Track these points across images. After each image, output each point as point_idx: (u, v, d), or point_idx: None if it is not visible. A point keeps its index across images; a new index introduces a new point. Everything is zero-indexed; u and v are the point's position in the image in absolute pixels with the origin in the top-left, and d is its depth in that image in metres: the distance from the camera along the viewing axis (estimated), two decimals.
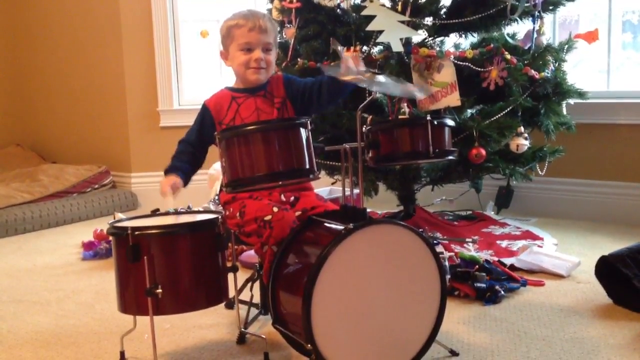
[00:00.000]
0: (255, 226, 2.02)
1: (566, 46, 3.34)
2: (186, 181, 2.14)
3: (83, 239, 3.58)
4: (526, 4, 3.05)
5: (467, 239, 3.12)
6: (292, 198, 2.19)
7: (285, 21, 3.37)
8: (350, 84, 2.03)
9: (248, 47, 2.18)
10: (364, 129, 2.04)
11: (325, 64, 3.13)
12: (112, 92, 4.81)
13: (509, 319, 2.29)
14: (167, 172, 2.13)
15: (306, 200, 2.17)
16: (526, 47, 3.20)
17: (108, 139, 4.93)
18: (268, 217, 2.00)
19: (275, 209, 2.01)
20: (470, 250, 3.01)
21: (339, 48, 2.04)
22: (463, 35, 3.30)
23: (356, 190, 2.16)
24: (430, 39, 3.23)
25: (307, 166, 1.82)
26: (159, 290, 1.82)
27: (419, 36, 3.15)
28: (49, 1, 5.11)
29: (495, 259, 2.82)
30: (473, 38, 3.33)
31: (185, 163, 2.17)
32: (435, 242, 2.85)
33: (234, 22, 2.20)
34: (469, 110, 3.19)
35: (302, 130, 1.82)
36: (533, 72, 3.08)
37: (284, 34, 3.41)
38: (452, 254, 2.77)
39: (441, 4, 3.16)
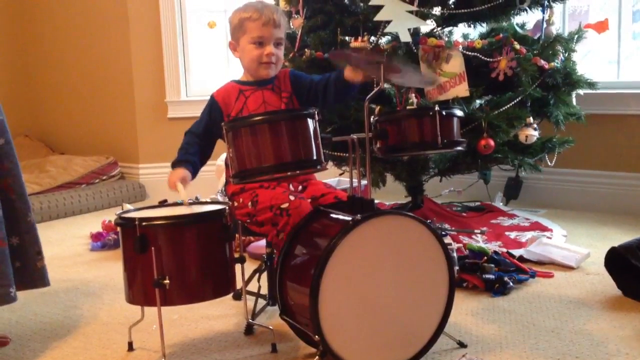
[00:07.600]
0: (271, 214, 2.02)
1: (576, 36, 3.31)
2: (194, 174, 2.12)
3: (91, 229, 3.59)
4: None
5: (476, 230, 3.11)
6: (299, 188, 2.20)
7: (293, 11, 3.36)
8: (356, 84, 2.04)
9: (260, 41, 2.17)
10: (371, 119, 2.03)
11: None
12: (120, 83, 4.82)
13: (518, 311, 2.29)
14: (175, 164, 2.12)
15: (315, 188, 2.18)
16: (535, 37, 3.18)
17: (116, 130, 4.94)
18: (285, 205, 2.00)
19: (291, 197, 2.01)
20: (479, 241, 3.00)
21: None
22: (472, 25, 3.28)
23: (364, 181, 2.15)
24: (438, 29, 3.20)
25: (315, 157, 1.82)
26: (167, 281, 1.83)
27: (427, 26, 3.13)
28: None
29: (504, 250, 2.81)
30: (482, 28, 3.31)
31: (193, 155, 2.15)
32: (443, 233, 2.84)
33: (248, 15, 2.17)
34: (478, 101, 3.17)
35: (310, 121, 1.82)
36: (542, 62, 3.05)
37: (291, 24, 3.39)
38: (461, 245, 2.76)
39: None
